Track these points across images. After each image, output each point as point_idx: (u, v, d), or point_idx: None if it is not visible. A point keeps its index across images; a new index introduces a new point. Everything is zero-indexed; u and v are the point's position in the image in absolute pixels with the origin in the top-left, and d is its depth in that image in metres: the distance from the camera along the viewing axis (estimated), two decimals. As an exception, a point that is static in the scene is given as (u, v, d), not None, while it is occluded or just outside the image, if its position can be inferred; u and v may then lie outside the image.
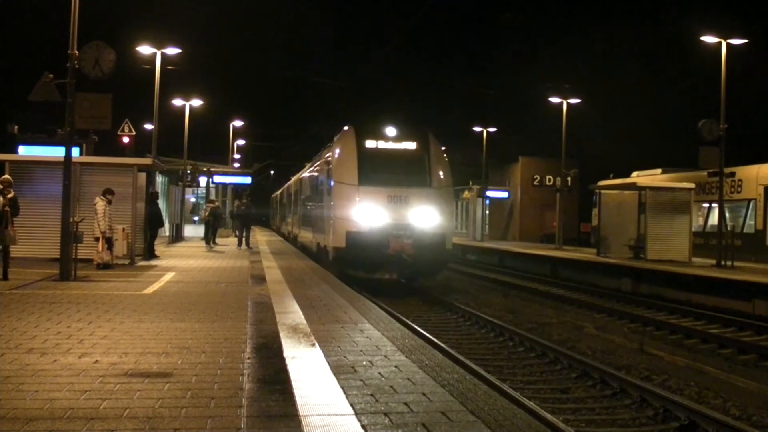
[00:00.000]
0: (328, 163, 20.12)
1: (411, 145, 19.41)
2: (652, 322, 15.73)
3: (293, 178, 37.49)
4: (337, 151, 19.50)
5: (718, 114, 23.33)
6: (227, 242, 29.41)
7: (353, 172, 18.59)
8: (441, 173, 19.20)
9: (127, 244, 17.38)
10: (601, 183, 30.89)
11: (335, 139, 20.75)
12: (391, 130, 19.40)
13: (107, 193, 16.44)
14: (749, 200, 27.37)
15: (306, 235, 26.77)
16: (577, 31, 70.08)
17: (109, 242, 16.23)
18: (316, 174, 23.87)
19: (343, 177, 18.72)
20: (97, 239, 15.95)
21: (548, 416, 7.80)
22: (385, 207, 18.08)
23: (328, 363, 6.67)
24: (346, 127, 19.96)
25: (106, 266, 15.76)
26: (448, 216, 19.11)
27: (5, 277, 12.95)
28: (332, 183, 19.00)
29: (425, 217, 18.24)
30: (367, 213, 18.04)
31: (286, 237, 39.75)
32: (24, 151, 25.42)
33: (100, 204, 16.06)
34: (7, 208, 13.14)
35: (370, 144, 19.14)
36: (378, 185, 18.32)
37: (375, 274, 18.33)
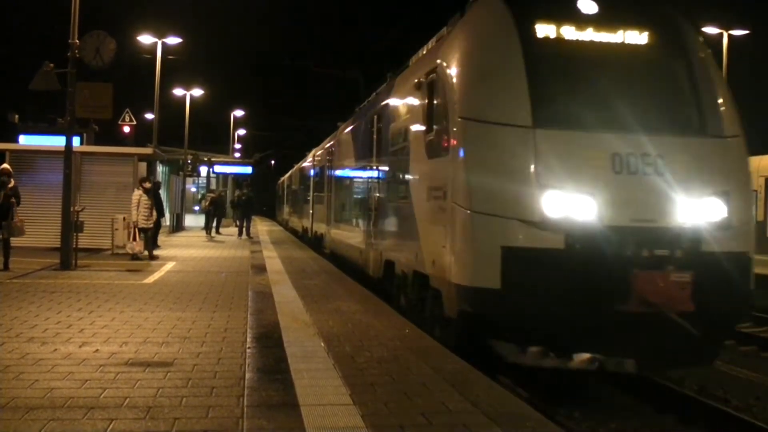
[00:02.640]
0: (432, 83, 8.95)
1: (643, 38, 8.47)
2: (652, 313, 15.70)
3: (315, 151, 26.21)
4: (466, 49, 8.39)
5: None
6: (228, 232, 29.40)
7: (517, 94, 7.71)
8: (722, 103, 8.58)
9: (128, 234, 17.40)
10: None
11: (453, 23, 9.44)
12: (589, 4, 8.38)
13: (142, 181, 16.42)
14: (750, 192, 27.31)
15: (352, 241, 15.19)
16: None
17: (142, 232, 16.23)
18: (386, 120, 11.91)
19: (488, 108, 7.78)
20: (140, 230, 16.09)
21: (547, 407, 7.80)
22: (607, 185, 7.48)
23: (328, 353, 6.68)
24: None
25: (135, 257, 15.81)
26: (749, 203, 8.37)
27: (6, 267, 12.96)
28: (454, 123, 7.91)
29: (707, 209, 7.77)
30: (562, 201, 7.36)
31: (300, 235, 29.40)
32: (24, 140, 25.45)
33: (135, 194, 16.15)
34: (12, 200, 13.11)
35: (545, 30, 8.18)
36: (584, 129, 7.70)
37: (574, 356, 7.84)
